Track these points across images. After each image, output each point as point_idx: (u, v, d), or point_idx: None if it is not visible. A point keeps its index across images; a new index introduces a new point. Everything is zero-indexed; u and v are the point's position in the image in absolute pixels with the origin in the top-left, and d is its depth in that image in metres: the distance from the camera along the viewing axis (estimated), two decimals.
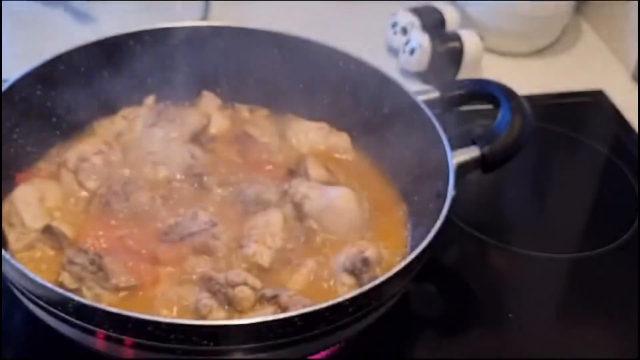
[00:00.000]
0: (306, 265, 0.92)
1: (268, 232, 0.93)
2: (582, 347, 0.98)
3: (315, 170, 1.02)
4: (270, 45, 1.10)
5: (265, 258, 0.91)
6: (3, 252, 0.81)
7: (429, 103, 1.02)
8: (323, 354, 0.90)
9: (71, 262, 0.87)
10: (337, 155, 1.08)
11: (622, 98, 1.35)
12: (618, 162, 1.23)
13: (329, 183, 1.00)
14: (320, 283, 0.92)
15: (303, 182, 0.99)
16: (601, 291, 1.05)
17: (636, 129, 1.29)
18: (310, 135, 1.09)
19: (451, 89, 1.05)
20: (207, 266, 0.91)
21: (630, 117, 1.31)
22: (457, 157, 0.96)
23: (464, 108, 1.10)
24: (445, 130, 0.98)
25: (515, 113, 0.99)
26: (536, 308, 1.02)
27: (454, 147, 0.96)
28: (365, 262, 0.90)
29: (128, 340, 0.78)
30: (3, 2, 1.37)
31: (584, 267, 1.08)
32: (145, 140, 1.04)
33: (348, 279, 0.91)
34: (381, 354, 0.95)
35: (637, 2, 1.36)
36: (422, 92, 1.04)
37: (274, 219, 0.95)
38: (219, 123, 1.10)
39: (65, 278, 0.87)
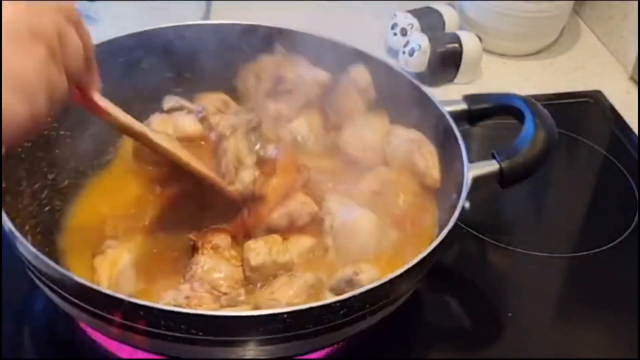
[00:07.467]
0: (302, 278, 0.88)
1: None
2: (581, 347, 0.98)
3: None
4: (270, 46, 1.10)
5: (259, 259, 0.89)
6: (20, 236, 0.80)
7: (454, 115, 0.99)
8: (323, 352, 0.90)
9: None
10: None
11: (621, 98, 1.36)
12: (616, 162, 1.23)
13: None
14: (309, 298, 0.87)
15: (337, 198, 0.96)
16: (600, 290, 1.05)
17: (635, 129, 1.29)
18: None
19: (477, 102, 1.02)
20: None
21: (629, 117, 1.32)
22: (473, 170, 0.93)
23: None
24: (465, 142, 0.96)
25: (538, 129, 0.96)
26: (535, 307, 1.02)
27: (472, 160, 0.94)
28: (350, 284, 0.86)
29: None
30: None
31: (583, 266, 1.08)
32: None
33: (330, 298, 0.84)
34: (380, 353, 0.95)
35: (636, 2, 1.37)
36: (448, 103, 1.01)
37: None
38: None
39: None
